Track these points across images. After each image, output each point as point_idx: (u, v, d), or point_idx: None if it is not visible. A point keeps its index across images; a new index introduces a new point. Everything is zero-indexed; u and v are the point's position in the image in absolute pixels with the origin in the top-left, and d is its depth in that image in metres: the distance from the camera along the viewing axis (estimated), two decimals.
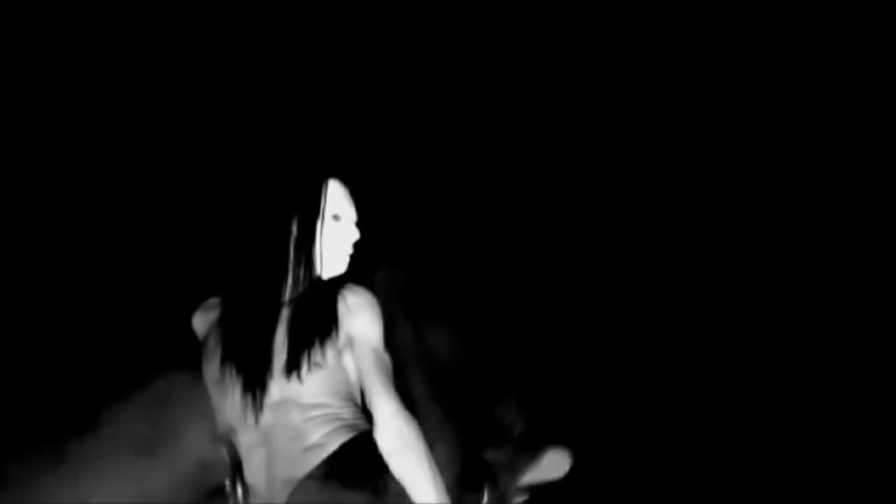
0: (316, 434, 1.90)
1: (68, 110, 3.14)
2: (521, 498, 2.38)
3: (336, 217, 2.08)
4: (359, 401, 1.98)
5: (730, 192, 3.43)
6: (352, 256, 2.13)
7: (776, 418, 3.32)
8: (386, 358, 1.97)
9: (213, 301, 2.07)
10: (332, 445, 1.90)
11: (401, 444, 1.87)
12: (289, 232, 2.03)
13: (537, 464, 2.32)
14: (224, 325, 2.02)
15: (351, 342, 1.96)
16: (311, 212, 2.05)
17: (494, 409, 2.37)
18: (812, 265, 3.39)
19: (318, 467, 1.88)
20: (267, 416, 1.93)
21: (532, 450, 2.33)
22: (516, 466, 2.33)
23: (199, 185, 3.16)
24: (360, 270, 2.19)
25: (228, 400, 1.96)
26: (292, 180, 2.09)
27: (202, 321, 2.06)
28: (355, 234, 2.11)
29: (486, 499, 2.19)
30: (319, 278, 2.07)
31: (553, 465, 2.34)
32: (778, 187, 3.41)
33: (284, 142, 3.21)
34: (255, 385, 1.94)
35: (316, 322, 1.95)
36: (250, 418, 1.94)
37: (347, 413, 1.94)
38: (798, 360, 3.35)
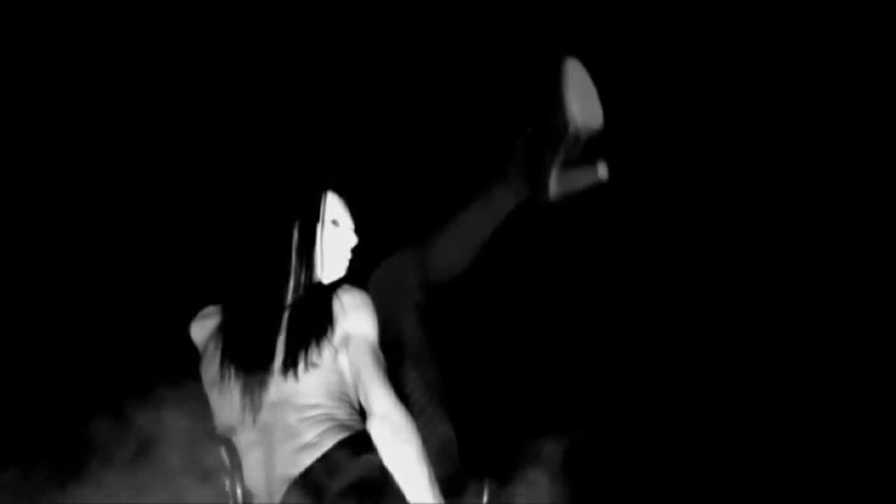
0: (310, 433, 1.93)
1: (67, 121, 3.15)
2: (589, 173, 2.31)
3: (335, 222, 2.14)
4: (354, 402, 2.00)
5: (730, 190, 3.44)
6: (351, 261, 2.18)
7: (776, 418, 3.33)
8: (381, 355, 1.99)
9: (211, 309, 2.11)
10: (326, 445, 1.92)
11: (397, 438, 1.89)
12: (290, 237, 2.08)
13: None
14: (226, 327, 2.05)
15: (347, 341, 1.98)
16: (311, 217, 2.11)
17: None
18: (813, 265, 3.39)
19: (312, 466, 1.90)
20: (265, 416, 1.96)
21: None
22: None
23: (199, 192, 3.18)
24: (359, 271, 2.24)
25: (227, 400, 1.99)
26: (292, 188, 2.13)
27: (200, 330, 2.09)
28: (354, 239, 2.17)
29: (486, 497, 2.20)
30: (319, 282, 2.11)
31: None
32: (778, 187, 3.41)
33: (284, 150, 3.24)
34: (254, 384, 1.97)
35: (312, 322, 1.99)
36: (249, 418, 1.97)
37: (342, 413, 1.97)
38: (798, 360, 3.36)
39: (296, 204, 2.11)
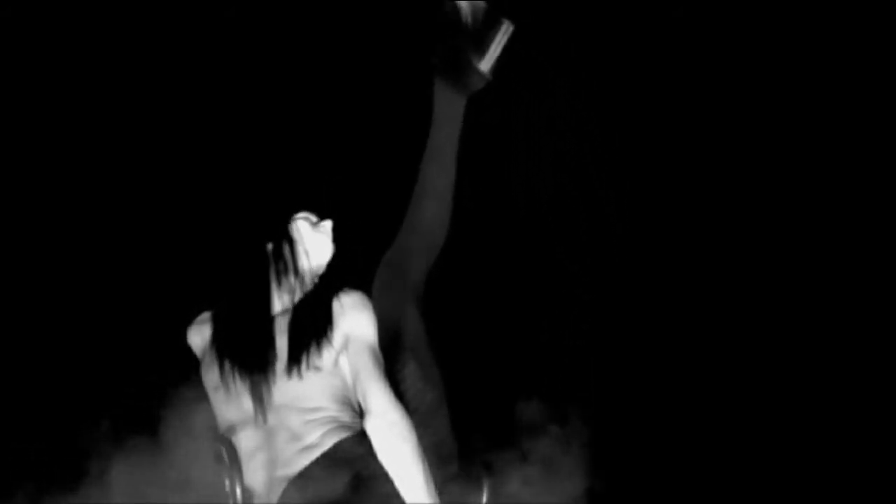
0: (313, 435, 1.95)
1: (67, 123, 3.16)
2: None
3: (306, 218, 2.18)
4: (356, 404, 2.02)
5: (728, 188, 3.44)
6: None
7: (777, 418, 3.33)
8: (380, 355, 2.02)
9: (207, 315, 2.13)
10: (327, 444, 1.94)
11: (394, 436, 1.91)
12: (264, 241, 2.13)
13: None
14: (219, 332, 2.07)
15: (346, 342, 2.01)
16: (281, 217, 2.16)
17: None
18: (814, 266, 3.40)
19: (310, 465, 1.92)
20: (269, 418, 1.98)
21: None
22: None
23: (194, 192, 3.19)
24: (360, 270, 2.25)
25: (231, 403, 2.01)
26: (255, 207, 2.21)
27: (198, 335, 2.11)
28: (328, 222, 2.20)
29: (485, 496, 2.21)
30: (322, 274, 2.16)
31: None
32: (777, 185, 3.41)
33: (279, 148, 3.25)
34: (257, 387, 1.99)
35: (312, 325, 2.01)
36: (253, 420, 1.99)
37: (345, 416, 1.99)
38: (795, 347, 3.36)
39: (263, 214, 2.16)
